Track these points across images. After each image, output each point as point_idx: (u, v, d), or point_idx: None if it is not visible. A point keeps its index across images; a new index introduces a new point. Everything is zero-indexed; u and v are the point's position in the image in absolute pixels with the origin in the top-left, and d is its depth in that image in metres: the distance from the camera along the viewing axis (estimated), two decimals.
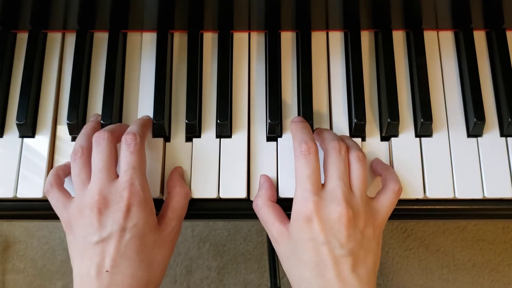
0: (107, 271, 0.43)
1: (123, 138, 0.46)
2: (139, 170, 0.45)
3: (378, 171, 0.50)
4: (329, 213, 0.44)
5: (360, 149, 0.47)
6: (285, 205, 0.48)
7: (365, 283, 0.44)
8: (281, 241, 0.46)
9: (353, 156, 0.46)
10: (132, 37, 0.56)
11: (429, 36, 0.55)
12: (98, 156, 0.45)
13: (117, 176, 0.45)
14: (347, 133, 0.52)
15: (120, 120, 0.53)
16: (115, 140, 0.47)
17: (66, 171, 0.49)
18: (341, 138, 0.49)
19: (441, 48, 0.55)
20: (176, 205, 0.48)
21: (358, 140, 0.51)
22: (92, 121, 0.51)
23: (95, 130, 0.48)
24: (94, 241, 0.43)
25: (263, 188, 0.49)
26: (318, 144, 0.48)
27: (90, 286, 0.43)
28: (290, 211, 0.47)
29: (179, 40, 0.55)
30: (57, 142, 0.52)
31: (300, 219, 0.44)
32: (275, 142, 0.51)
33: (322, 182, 0.46)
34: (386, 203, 0.47)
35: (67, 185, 0.49)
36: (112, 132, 0.47)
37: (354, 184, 0.46)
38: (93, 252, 0.43)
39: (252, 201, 0.49)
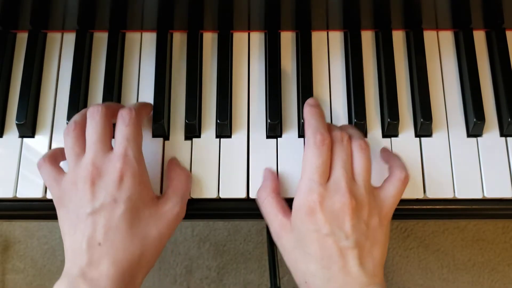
0: (99, 244, 0.42)
1: (119, 113, 0.46)
2: (133, 143, 0.45)
3: (385, 159, 0.49)
4: (332, 204, 0.43)
5: (362, 138, 0.47)
6: None
7: (372, 275, 0.43)
8: (283, 234, 0.45)
9: (356, 146, 0.46)
10: (132, 37, 0.56)
11: (429, 36, 0.55)
12: (92, 129, 0.45)
13: (112, 149, 0.45)
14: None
15: None
16: (110, 115, 0.46)
17: (63, 153, 0.49)
18: (343, 128, 0.49)
19: (441, 48, 0.55)
20: (178, 184, 0.47)
21: None
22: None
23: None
24: (87, 212, 0.42)
25: (268, 179, 0.49)
26: None
27: (81, 260, 0.42)
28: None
29: (179, 40, 0.55)
30: (57, 142, 0.52)
31: (303, 210, 0.44)
32: (275, 142, 0.51)
33: None
34: (392, 192, 0.45)
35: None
36: (107, 107, 0.46)
37: (357, 173, 0.45)
38: (85, 224, 0.42)
39: (252, 201, 0.49)
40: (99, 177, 0.43)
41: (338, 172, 0.44)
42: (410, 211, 0.51)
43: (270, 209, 0.46)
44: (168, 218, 0.45)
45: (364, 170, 0.45)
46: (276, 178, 0.49)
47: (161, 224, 0.45)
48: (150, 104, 0.51)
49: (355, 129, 0.49)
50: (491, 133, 0.52)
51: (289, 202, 0.46)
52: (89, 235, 0.42)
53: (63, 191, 0.45)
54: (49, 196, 0.50)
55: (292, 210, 0.45)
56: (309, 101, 0.49)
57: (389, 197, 0.45)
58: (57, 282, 0.42)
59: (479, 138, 0.52)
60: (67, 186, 0.44)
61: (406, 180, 0.46)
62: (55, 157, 0.48)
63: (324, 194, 0.43)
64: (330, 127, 0.47)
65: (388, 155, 0.50)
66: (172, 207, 0.46)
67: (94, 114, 0.45)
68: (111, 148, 0.45)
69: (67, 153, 0.46)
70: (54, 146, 0.52)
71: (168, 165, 0.49)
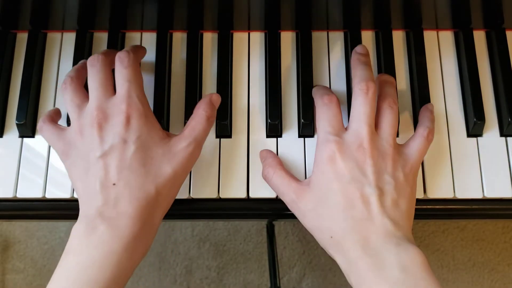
0: (114, 184, 0.42)
1: (117, 57, 0.46)
2: (135, 84, 0.45)
3: (420, 116, 0.50)
4: (351, 152, 0.43)
5: (393, 96, 0.47)
6: (285, 207, 0.47)
7: (398, 226, 0.42)
8: (301, 198, 0.45)
9: (385, 103, 0.46)
10: (132, 37, 0.56)
11: (429, 36, 0.55)
12: (93, 76, 0.45)
13: (115, 93, 0.45)
14: None
15: None
16: (110, 62, 0.47)
17: (58, 115, 0.50)
18: (382, 80, 0.49)
19: (441, 48, 0.55)
20: (196, 124, 0.46)
21: None
22: (81, 62, 0.51)
23: (84, 66, 0.48)
24: (97, 156, 0.43)
25: (269, 157, 0.49)
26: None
27: (96, 202, 0.42)
28: (290, 211, 0.47)
29: (179, 40, 0.55)
30: None
31: (323, 161, 0.44)
32: (275, 142, 0.51)
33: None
34: (415, 147, 0.46)
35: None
36: (106, 54, 0.47)
37: (382, 127, 0.45)
38: (97, 167, 0.42)
39: (252, 201, 0.49)
40: (106, 121, 0.43)
41: (358, 124, 0.44)
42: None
43: (280, 180, 0.46)
44: (182, 157, 0.45)
45: (390, 125, 0.45)
46: (275, 155, 0.49)
47: (174, 162, 0.44)
48: (144, 47, 0.51)
49: (390, 86, 0.49)
50: (491, 133, 0.52)
51: None
52: (102, 176, 0.42)
53: (68, 143, 0.45)
54: (48, 196, 0.50)
55: (314, 165, 0.45)
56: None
57: (413, 152, 0.46)
58: (75, 224, 0.42)
59: (479, 138, 0.52)
60: (72, 136, 0.45)
61: (429, 137, 0.46)
62: (52, 117, 0.49)
63: (342, 142, 0.44)
64: (359, 74, 0.47)
65: (423, 113, 0.49)
66: (186, 147, 0.45)
67: (94, 62, 0.46)
68: (114, 93, 0.45)
69: (68, 106, 0.46)
70: None
71: (200, 100, 0.48)
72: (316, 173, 0.45)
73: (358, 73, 0.47)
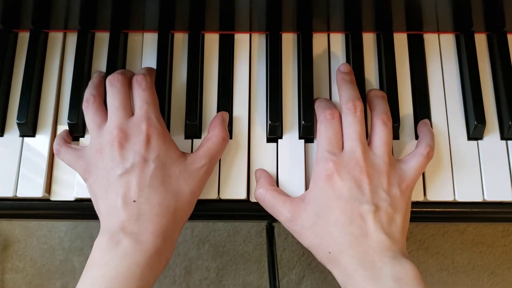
0: (134, 201, 0.43)
1: (134, 79, 0.48)
2: (153, 106, 0.47)
3: (418, 132, 0.50)
4: (348, 170, 0.44)
5: (385, 112, 0.48)
6: None
7: (394, 241, 0.43)
8: (297, 216, 0.45)
9: (379, 120, 0.47)
10: (133, 37, 0.56)
11: (430, 39, 0.55)
12: (113, 96, 0.47)
13: (133, 114, 0.47)
14: None
15: None
16: (128, 82, 0.48)
17: (70, 136, 0.51)
18: (373, 95, 0.50)
19: (442, 51, 0.55)
20: (212, 145, 0.48)
21: None
22: (96, 76, 0.52)
23: (102, 82, 0.50)
24: (118, 174, 0.44)
25: (262, 177, 0.49)
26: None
27: (118, 218, 0.43)
28: None
29: (180, 41, 0.55)
30: None
31: (321, 179, 0.45)
32: (276, 143, 0.51)
33: None
34: (413, 165, 0.46)
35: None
36: (124, 74, 0.48)
37: (377, 145, 0.46)
38: (118, 185, 0.44)
39: (252, 202, 0.49)
40: (126, 140, 0.45)
41: (352, 143, 0.46)
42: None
43: (274, 200, 0.47)
44: (198, 176, 0.46)
45: (384, 142, 0.46)
46: (269, 175, 0.50)
47: (191, 180, 0.46)
48: (154, 69, 0.53)
49: (381, 101, 0.50)
50: (492, 137, 0.52)
51: None
52: (123, 193, 0.43)
53: (88, 162, 0.46)
54: (48, 195, 0.50)
55: (311, 181, 0.46)
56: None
57: (411, 169, 0.46)
58: (97, 239, 0.43)
59: (479, 141, 0.51)
60: (92, 155, 0.46)
61: (428, 155, 0.47)
62: (65, 139, 0.50)
63: (339, 162, 0.45)
64: (345, 95, 0.48)
65: (422, 129, 0.50)
66: (201, 167, 0.47)
67: (114, 82, 0.47)
68: (132, 113, 0.47)
69: (89, 124, 0.47)
70: None
71: (213, 120, 0.50)
72: (313, 190, 0.46)
73: (344, 93, 0.49)
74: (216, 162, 0.49)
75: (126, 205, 0.43)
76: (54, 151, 0.49)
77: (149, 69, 0.51)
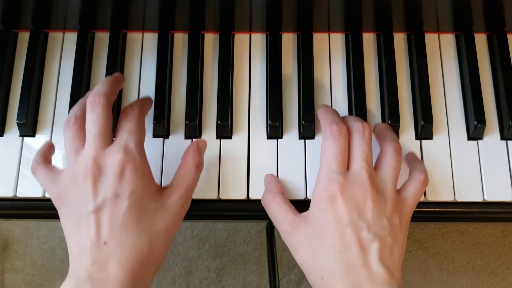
0: (105, 243, 0.40)
1: (122, 112, 0.45)
2: (135, 135, 0.43)
3: (408, 162, 0.49)
4: (353, 193, 0.42)
5: (397, 141, 0.46)
6: None
7: (392, 273, 0.41)
8: (296, 231, 0.44)
9: (390, 146, 0.45)
10: (133, 37, 0.56)
11: (430, 39, 0.55)
12: (92, 121, 0.43)
13: (113, 141, 0.44)
14: None
15: None
16: (110, 105, 0.45)
17: (52, 150, 0.48)
18: (383, 127, 0.49)
19: (442, 50, 0.55)
20: (185, 174, 0.45)
21: None
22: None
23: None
24: (90, 210, 0.41)
25: (271, 183, 0.48)
26: None
27: (86, 260, 0.40)
28: None
29: (180, 41, 0.55)
30: (57, 142, 0.52)
31: (323, 199, 0.43)
32: (276, 144, 0.51)
33: None
34: (412, 192, 0.45)
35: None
36: (107, 96, 0.44)
37: (385, 170, 0.44)
38: (89, 222, 0.40)
39: (252, 202, 0.49)
40: (99, 173, 0.41)
41: (359, 164, 0.44)
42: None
43: (278, 209, 0.45)
44: (174, 211, 0.44)
45: (393, 168, 0.45)
46: (278, 181, 0.49)
47: (167, 217, 0.43)
48: (150, 98, 0.51)
49: (392, 132, 0.49)
50: (492, 137, 0.52)
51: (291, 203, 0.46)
52: (94, 234, 0.40)
53: (61, 189, 0.43)
54: (48, 195, 0.50)
55: (312, 200, 0.44)
56: (322, 105, 0.50)
57: (409, 197, 0.45)
58: (64, 283, 0.41)
59: (479, 141, 0.52)
60: (65, 183, 0.43)
61: (425, 182, 0.46)
62: (46, 156, 0.47)
63: (345, 183, 0.42)
64: (351, 118, 0.47)
65: (411, 158, 0.49)
66: (178, 199, 0.44)
67: (94, 105, 0.43)
68: (112, 142, 0.44)
69: (66, 148, 0.44)
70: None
71: (187, 148, 0.47)
72: (314, 209, 0.44)
73: (351, 117, 0.48)
74: (191, 192, 0.46)
75: (96, 247, 0.40)
76: (31, 169, 0.46)
77: (142, 100, 0.49)
